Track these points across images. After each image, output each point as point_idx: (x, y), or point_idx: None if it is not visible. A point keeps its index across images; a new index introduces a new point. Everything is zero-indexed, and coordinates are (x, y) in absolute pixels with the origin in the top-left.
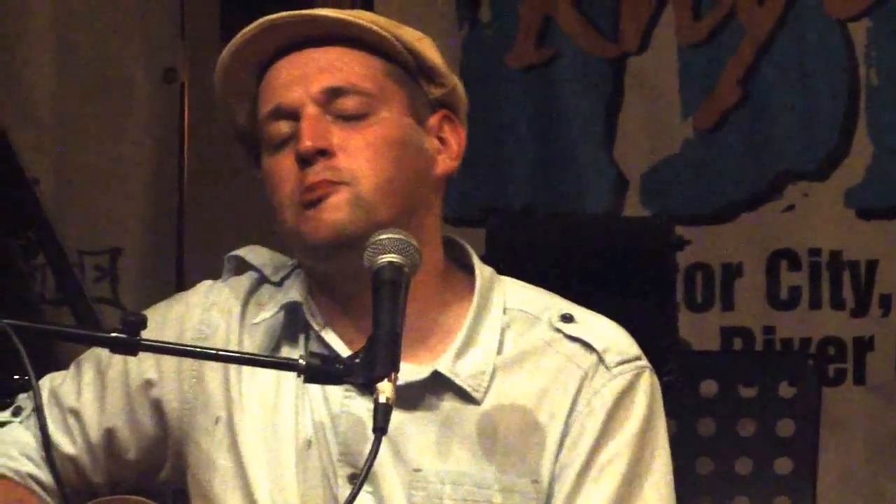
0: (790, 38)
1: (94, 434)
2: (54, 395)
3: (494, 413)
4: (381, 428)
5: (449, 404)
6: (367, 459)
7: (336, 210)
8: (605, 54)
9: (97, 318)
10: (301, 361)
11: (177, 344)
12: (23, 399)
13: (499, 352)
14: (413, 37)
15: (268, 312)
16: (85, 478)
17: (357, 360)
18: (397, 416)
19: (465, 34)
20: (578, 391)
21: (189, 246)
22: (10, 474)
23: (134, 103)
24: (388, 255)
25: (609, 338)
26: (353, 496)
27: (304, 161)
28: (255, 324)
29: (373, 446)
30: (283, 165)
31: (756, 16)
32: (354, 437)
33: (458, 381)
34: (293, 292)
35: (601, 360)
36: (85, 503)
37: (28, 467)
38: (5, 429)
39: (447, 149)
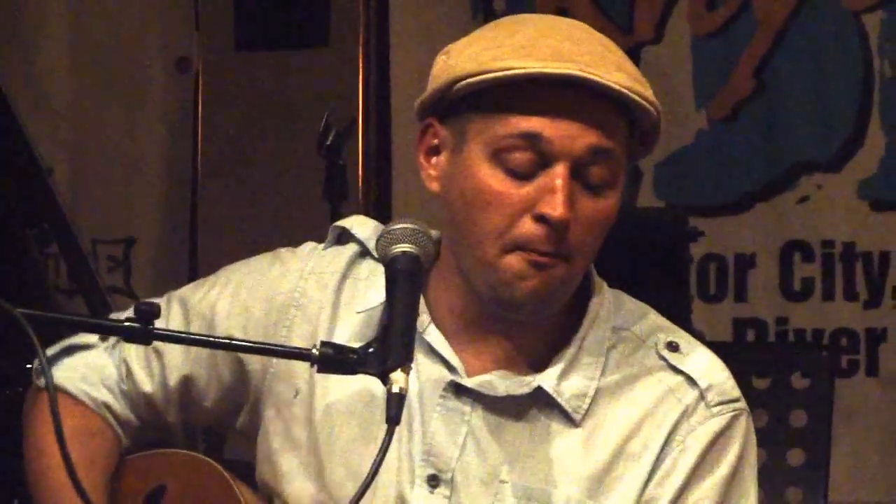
0: (804, 29)
1: (173, 378)
2: None
3: (590, 437)
4: (393, 418)
5: (547, 421)
6: (379, 450)
7: (549, 284)
8: (620, 45)
9: (109, 308)
10: (314, 351)
11: (191, 333)
12: None
13: (602, 374)
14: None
15: (370, 302)
16: (158, 416)
17: (371, 351)
18: (491, 424)
19: (479, 24)
20: (675, 426)
21: (202, 236)
22: (87, 401)
23: (148, 93)
24: (402, 245)
25: (712, 375)
26: (364, 489)
27: (550, 225)
28: (358, 312)
29: (385, 436)
30: (514, 198)
31: (770, 6)
32: (442, 439)
33: (560, 401)
34: None
35: (702, 397)
36: (158, 440)
37: (106, 397)
38: (90, 353)
39: None
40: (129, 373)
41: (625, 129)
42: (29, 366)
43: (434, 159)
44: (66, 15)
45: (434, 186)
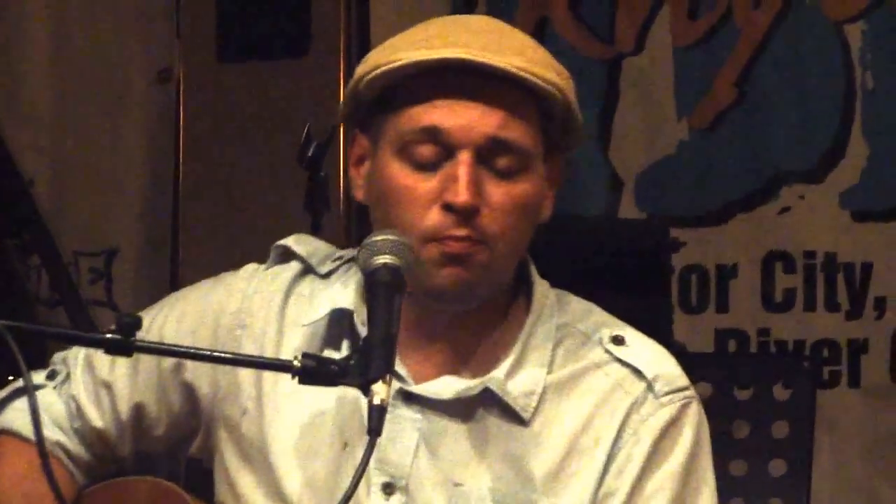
0: (786, 39)
1: (124, 409)
2: (89, 362)
3: (540, 434)
4: (375, 430)
5: (496, 421)
6: (361, 461)
7: (471, 269)
8: (601, 56)
9: (90, 319)
10: (295, 363)
11: (171, 345)
12: (58, 362)
13: (549, 371)
14: (568, 84)
15: (316, 314)
16: (112, 449)
17: (352, 362)
18: (443, 428)
19: None
20: (626, 418)
21: (184, 247)
22: None
23: (129, 103)
24: (384, 257)
25: (659, 365)
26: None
27: (456, 213)
28: (304, 325)
29: (367, 448)
30: (421, 190)
31: (752, 17)
32: (395, 447)
33: (508, 400)
34: (344, 296)
35: (650, 387)
36: (112, 472)
37: (57, 435)
38: (39, 392)
39: (551, 191)
40: (79, 409)
41: (534, 114)
42: (11, 378)
43: (361, 169)
44: (46, 25)
45: (359, 195)
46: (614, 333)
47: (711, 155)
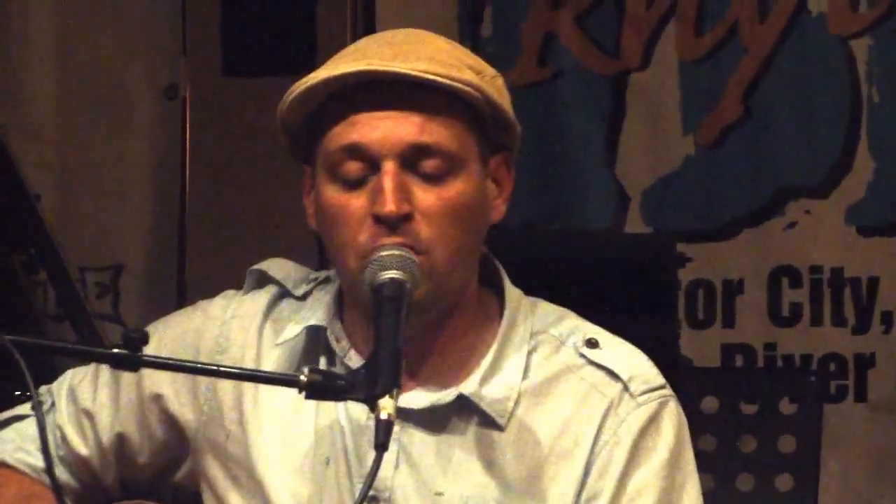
0: (792, 54)
1: (106, 437)
2: (72, 392)
3: (518, 439)
4: (382, 444)
5: (473, 428)
6: (368, 475)
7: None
8: (607, 71)
9: (98, 334)
10: (302, 378)
11: (178, 360)
12: (44, 393)
13: (524, 377)
14: (491, 84)
15: (290, 333)
16: (97, 477)
17: (359, 377)
18: (421, 439)
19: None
20: (603, 420)
21: (190, 262)
22: (26, 469)
23: (135, 120)
24: (390, 272)
25: (634, 366)
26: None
27: (386, 223)
28: (278, 344)
29: (374, 463)
30: (353, 207)
31: (758, 32)
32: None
33: (482, 406)
34: (317, 314)
35: (626, 388)
36: (100, 501)
37: (43, 463)
38: (24, 423)
39: (501, 192)
40: (64, 437)
41: (459, 115)
42: (17, 393)
43: (310, 198)
44: (52, 41)
45: (312, 223)
46: (588, 337)
47: (718, 170)
